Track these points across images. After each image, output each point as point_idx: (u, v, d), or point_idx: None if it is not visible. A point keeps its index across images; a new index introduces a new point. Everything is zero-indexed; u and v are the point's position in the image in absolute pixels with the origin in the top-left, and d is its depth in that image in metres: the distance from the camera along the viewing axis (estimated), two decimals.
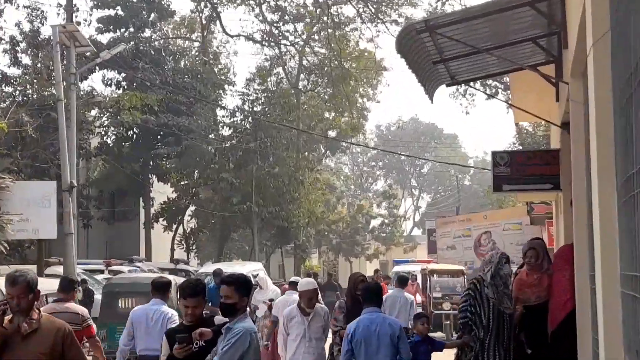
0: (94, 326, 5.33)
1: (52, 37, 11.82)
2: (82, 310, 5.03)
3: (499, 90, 19.00)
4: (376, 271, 15.18)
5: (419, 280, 14.02)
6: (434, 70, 5.89)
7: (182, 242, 23.17)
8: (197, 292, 3.38)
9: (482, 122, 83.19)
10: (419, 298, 13.37)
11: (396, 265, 17.76)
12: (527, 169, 6.66)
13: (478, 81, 12.95)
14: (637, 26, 1.56)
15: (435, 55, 5.48)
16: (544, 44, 5.73)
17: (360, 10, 23.52)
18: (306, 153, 25.78)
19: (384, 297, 6.97)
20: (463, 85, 12.72)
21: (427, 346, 4.78)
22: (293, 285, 7.05)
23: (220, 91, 23.60)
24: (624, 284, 1.99)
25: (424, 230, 35.24)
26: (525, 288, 5.08)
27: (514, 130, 18.95)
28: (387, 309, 7.06)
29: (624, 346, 2.06)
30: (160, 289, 4.92)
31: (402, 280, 8.76)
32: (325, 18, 23.20)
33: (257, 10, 24.88)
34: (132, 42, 20.34)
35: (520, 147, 16.89)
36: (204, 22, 24.73)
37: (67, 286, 5.16)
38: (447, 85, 6.68)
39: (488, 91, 18.84)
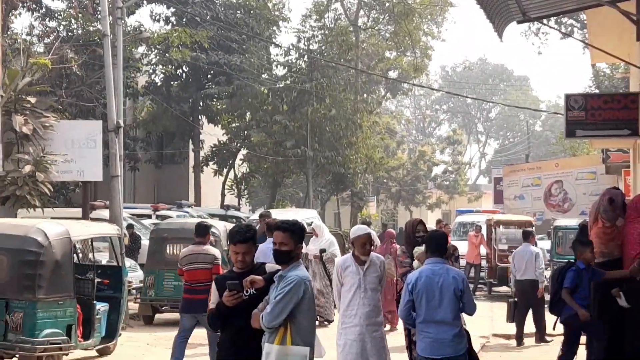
0: (222, 265, 6.16)
1: None
2: (215, 251, 6.14)
3: (575, 29, 18.83)
4: (439, 221, 14.30)
5: (484, 231, 13.83)
6: (504, 5, 5.49)
7: (233, 188, 23.26)
8: (248, 238, 3.34)
9: (555, 64, 79.39)
10: (483, 250, 13.64)
11: (459, 215, 17.92)
12: (603, 113, 6.82)
13: (552, 18, 13.15)
14: None
15: None
16: None
17: None
18: (365, 95, 25.14)
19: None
20: (536, 22, 13.62)
21: (590, 275, 4.95)
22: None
23: (274, 28, 23.17)
24: None
25: (490, 179, 34.98)
26: (609, 241, 5.02)
27: (590, 73, 18.42)
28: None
29: None
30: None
31: (526, 234, 8.79)
32: None
33: None
34: None
35: (597, 91, 16.83)
36: None
37: (203, 230, 6.16)
38: (518, 22, 6.33)
39: (563, 29, 18.55)
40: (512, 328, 8.46)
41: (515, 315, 7.97)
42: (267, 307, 3.05)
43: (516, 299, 8.09)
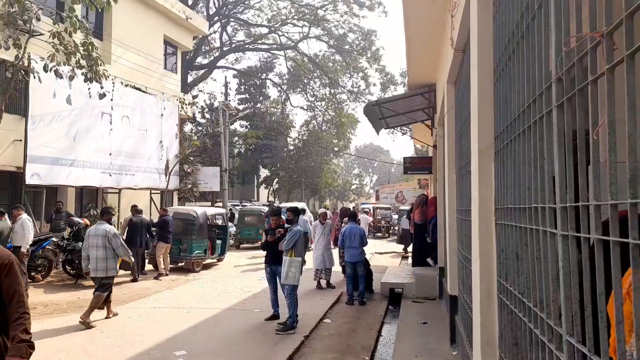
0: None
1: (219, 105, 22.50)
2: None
3: (407, 131, 33.38)
4: (353, 207, 25.46)
5: (371, 211, 28.22)
6: (379, 121, 11.78)
7: (272, 193, 41.15)
8: (276, 213, 7.49)
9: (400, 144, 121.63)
10: (370, 219, 24.87)
11: (363, 204, 37.21)
12: (418, 163, 12.91)
13: (399, 127, 24.71)
14: (465, 107, 3.99)
15: (380, 115, 11.39)
16: (427, 111, 11.88)
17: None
18: (325, 157, 44.24)
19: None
20: (392, 128, 23.05)
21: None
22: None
23: (290, 130, 41.38)
24: (458, 212, 6.25)
25: (374, 190, 60.11)
26: (422, 215, 10.81)
27: (413, 148, 34.81)
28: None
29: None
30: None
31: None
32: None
33: None
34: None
35: (415, 155, 30.31)
36: None
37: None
38: (385, 128, 13.47)
39: (403, 130, 33.49)
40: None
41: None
42: (284, 241, 6.88)
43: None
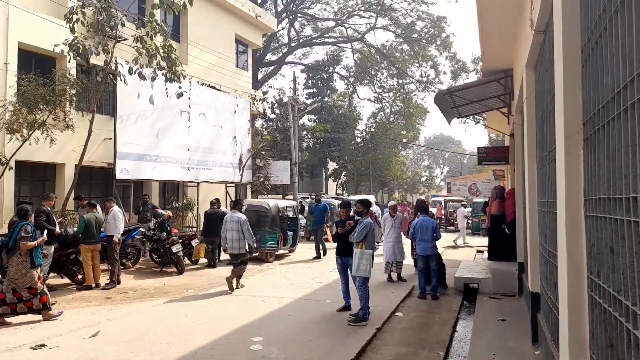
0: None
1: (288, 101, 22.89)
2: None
3: (480, 119, 32.27)
4: (424, 200, 24.62)
5: (443, 204, 28.79)
6: (451, 111, 11.38)
7: (340, 186, 41.83)
8: (346, 205, 7.60)
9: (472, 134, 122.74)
10: (442, 212, 27.57)
11: (433, 197, 37.38)
12: (494, 153, 12.41)
13: (471, 116, 24.52)
14: (547, 92, 3.78)
15: (451, 104, 10.98)
16: (503, 98, 10.81)
17: None
18: (393, 149, 43.44)
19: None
20: (465, 118, 21.48)
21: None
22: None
23: (357, 122, 41.53)
24: (540, 204, 5.05)
25: (445, 182, 61.27)
26: (500, 207, 10.48)
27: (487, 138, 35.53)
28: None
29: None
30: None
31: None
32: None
33: None
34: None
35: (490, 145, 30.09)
36: None
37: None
38: (457, 118, 12.48)
39: (476, 119, 33.56)
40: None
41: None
42: (355, 233, 6.93)
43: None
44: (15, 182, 12.76)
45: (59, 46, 11.01)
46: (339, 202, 20.51)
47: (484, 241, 18.69)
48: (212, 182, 17.89)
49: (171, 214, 13.20)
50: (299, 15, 38.88)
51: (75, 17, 10.80)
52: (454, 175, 56.27)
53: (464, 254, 15.58)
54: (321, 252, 14.05)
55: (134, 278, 10.57)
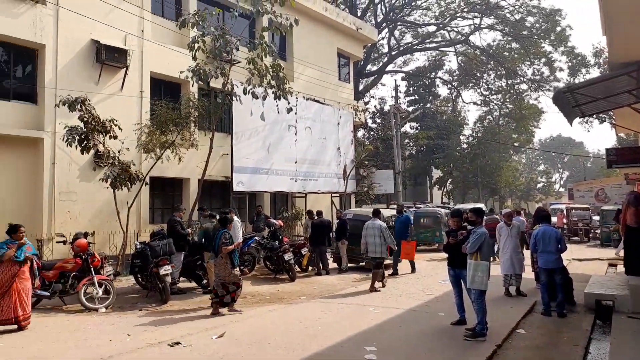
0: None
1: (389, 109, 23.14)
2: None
3: (606, 118, 30.66)
4: (544, 208, 22.16)
5: (565, 212, 25.48)
6: (573, 110, 10.48)
7: (446, 195, 41.00)
8: (456, 215, 7.25)
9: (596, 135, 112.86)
10: (564, 220, 24.47)
11: (552, 205, 33.88)
12: (628, 155, 11.19)
13: (595, 114, 22.39)
14: None
15: (573, 102, 10.15)
16: (635, 93, 10.05)
17: None
18: (503, 153, 42.83)
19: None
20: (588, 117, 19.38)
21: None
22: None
23: (462, 128, 40.16)
24: None
25: (565, 188, 59.67)
26: (636, 216, 8.88)
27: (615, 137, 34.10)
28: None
29: None
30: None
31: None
32: None
33: None
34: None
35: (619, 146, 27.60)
36: None
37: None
38: (580, 117, 11.19)
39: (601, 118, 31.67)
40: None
41: None
42: (468, 244, 6.52)
43: None
44: (150, 196, 14.41)
45: (184, 73, 12.29)
46: (446, 211, 19.76)
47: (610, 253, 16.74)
48: (318, 193, 18.45)
49: (282, 224, 13.88)
50: (399, 23, 38.69)
51: (196, 45, 11.98)
52: (577, 181, 51.53)
53: (593, 267, 14.05)
54: (397, 269, 12.69)
55: (250, 284, 11.26)
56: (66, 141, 10.54)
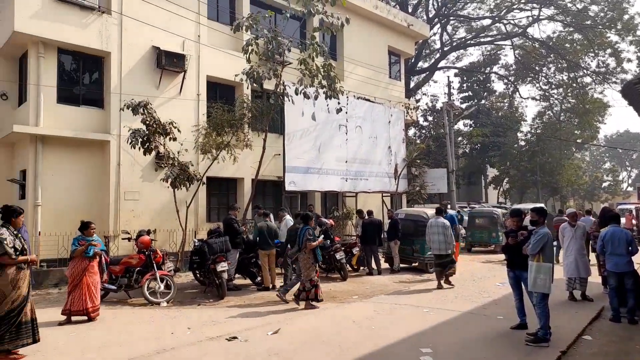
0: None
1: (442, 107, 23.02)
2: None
3: None
4: (609, 208, 20.50)
5: (634, 212, 23.10)
6: None
7: (502, 194, 39.88)
8: (516, 214, 6.95)
9: None
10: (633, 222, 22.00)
11: (619, 205, 31.89)
12: None
13: None
14: None
15: None
16: None
17: None
18: (565, 151, 41.52)
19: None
20: None
21: None
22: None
23: (519, 124, 39.21)
24: None
25: (634, 187, 56.41)
26: None
27: None
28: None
29: None
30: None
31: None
32: None
33: None
34: None
35: None
36: None
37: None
38: None
39: None
40: None
41: None
42: (529, 245, 6.18)
43: None
44: (207, 195, 14.93)
45: (238, 75, 12.61)
46: (503, 211, 19.02)
47: None
48: (368, 192, 18.34)
49: (333, 223, 13.93)
50: (452, 17, 37.67)
51: (250, 48, 12.27)
52: None
53: None
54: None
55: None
56: (130, 143, 11.12)
